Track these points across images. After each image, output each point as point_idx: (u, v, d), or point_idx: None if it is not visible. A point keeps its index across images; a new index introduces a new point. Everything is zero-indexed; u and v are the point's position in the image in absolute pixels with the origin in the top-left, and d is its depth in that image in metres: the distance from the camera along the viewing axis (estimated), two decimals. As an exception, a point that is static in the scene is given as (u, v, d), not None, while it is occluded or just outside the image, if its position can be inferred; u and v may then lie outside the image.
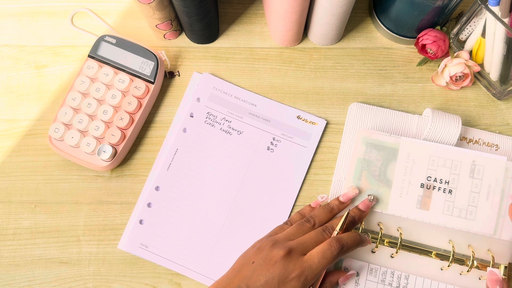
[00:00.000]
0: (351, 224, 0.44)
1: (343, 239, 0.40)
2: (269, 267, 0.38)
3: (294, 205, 0.50)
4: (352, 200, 0.46)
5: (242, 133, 0.52)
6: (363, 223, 0.46)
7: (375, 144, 0.47)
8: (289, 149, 0.51)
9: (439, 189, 0.46)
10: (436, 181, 0.46)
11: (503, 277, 0.44)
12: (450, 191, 0.46)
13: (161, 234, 0.49)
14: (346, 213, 0.42)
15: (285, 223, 0.45)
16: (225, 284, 0.39)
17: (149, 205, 0.50)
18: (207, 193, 0.50)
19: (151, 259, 0.48)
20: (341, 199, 0.46)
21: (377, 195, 0.46)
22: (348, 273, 0.44)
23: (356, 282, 0.45)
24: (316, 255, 0.38)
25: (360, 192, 0.46)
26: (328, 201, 0.46)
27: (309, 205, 0.47)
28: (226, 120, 0.52)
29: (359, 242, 0.42)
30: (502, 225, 0.45)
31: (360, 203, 0.46)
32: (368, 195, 0.46)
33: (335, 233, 0.41)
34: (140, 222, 0.49)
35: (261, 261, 0.39)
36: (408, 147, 0.47)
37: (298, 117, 0.52)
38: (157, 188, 0.50)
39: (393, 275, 0.45)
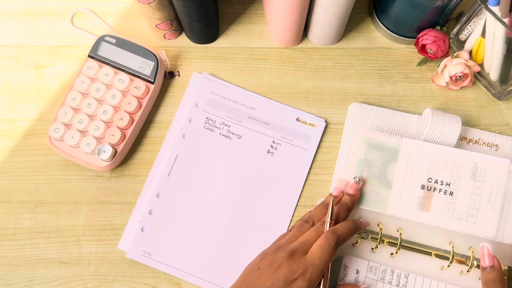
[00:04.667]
0: (346, 211, 0.44)
1: (338, 229, 0.41)
2: (274, 270, 0.38)
3: (295, 208, 0.50)
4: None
5: (241, 137, 0.51)
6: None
7: (376, 144, 0.47)
8: (289, 152, 0.51)
9: (439, 191, 0.46)
10: (437, 182, 0.46)
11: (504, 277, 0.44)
12: (451, 193, 0.46)
13: (163, 241, 0.49)
14: (331, 200, 0.43)
15: (288, 230, 0.45)
16: None
17: (150, 212, 0.49)
18: (209, 199, 0.50)
19: (155, 266, 0.48)
20: (334, 193, 0.46)
21: (376, 195, 0.46)
22: (362, 287, 0.44)
23: (355, 280, 0.45)
24: (316, 250, 0.39)
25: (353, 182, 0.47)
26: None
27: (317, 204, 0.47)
28: (225, 125, 0.52)
29: (355, 229, 0.42)
30: (503, 228, 0.45)
31: (348, 188, 0.46)
32: (354, 178, 0.46)
33: (327, 223, 0.42)
34: (142, 229, 0.49)
35: (266, 266, 0.39)
36: (409, 148, 0.47)
37: (297, 119, 0.52)
38: (158, 195, 0.50)
39: (393, 273, 0.45)
